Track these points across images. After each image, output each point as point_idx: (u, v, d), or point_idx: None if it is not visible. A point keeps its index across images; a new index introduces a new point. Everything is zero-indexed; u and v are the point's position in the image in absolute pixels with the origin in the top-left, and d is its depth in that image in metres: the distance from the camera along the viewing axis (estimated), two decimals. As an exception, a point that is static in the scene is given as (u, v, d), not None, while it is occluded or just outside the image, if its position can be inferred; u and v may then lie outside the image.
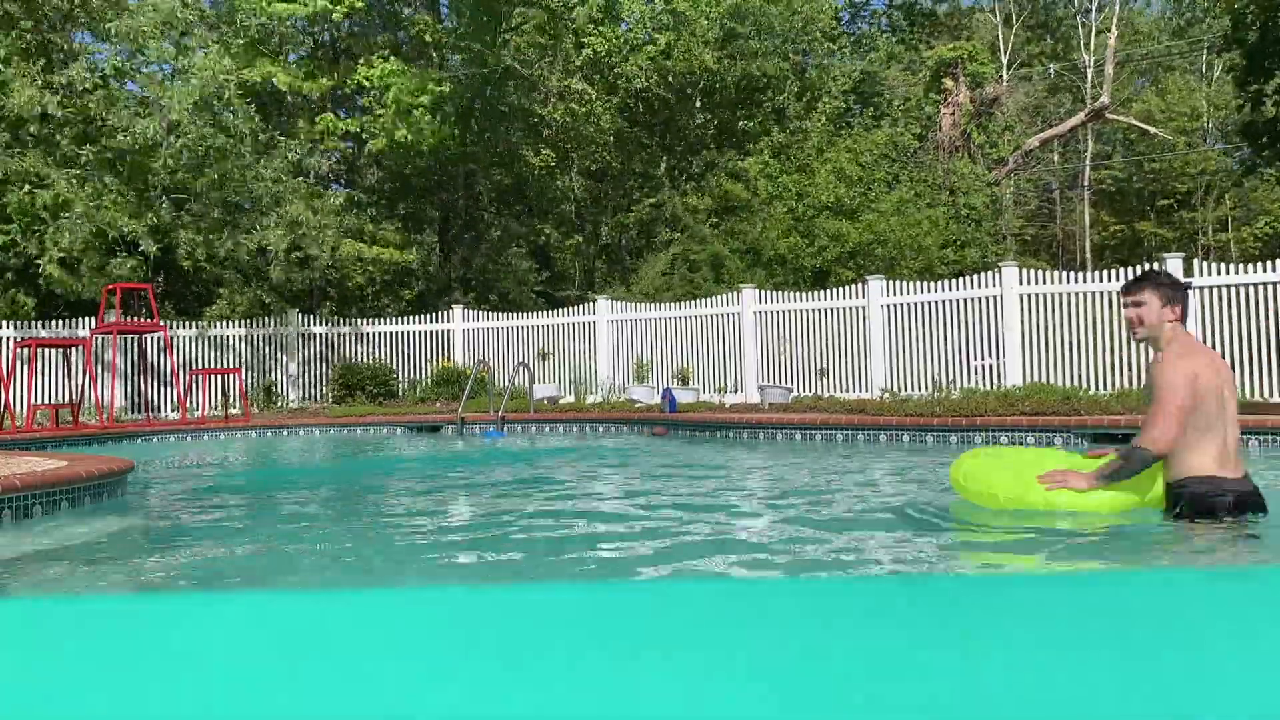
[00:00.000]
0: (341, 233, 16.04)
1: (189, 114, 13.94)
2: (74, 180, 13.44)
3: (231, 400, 14.53)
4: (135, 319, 14.51)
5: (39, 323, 14.46)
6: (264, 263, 16.12)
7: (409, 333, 15.92)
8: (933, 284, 12.67)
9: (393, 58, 18.75)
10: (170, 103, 13.89)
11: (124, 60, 14.76)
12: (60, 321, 14.51)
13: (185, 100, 13.88)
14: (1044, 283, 11.88)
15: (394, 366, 15.56)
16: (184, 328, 15.38)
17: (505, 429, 11.92)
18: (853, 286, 13.37)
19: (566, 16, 20.69)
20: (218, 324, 15.60)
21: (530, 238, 23.41)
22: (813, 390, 12.99)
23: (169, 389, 14.88)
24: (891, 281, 12.97)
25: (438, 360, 15.62)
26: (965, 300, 12.14)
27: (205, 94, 14.13)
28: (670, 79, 20.99)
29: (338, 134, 18.43)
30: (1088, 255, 29.39)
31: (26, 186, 13.53)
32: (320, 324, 16.06)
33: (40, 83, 13.43)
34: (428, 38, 20.76)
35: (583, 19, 20.63)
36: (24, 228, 13.87)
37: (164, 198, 14.97)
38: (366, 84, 17.93)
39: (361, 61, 18.82)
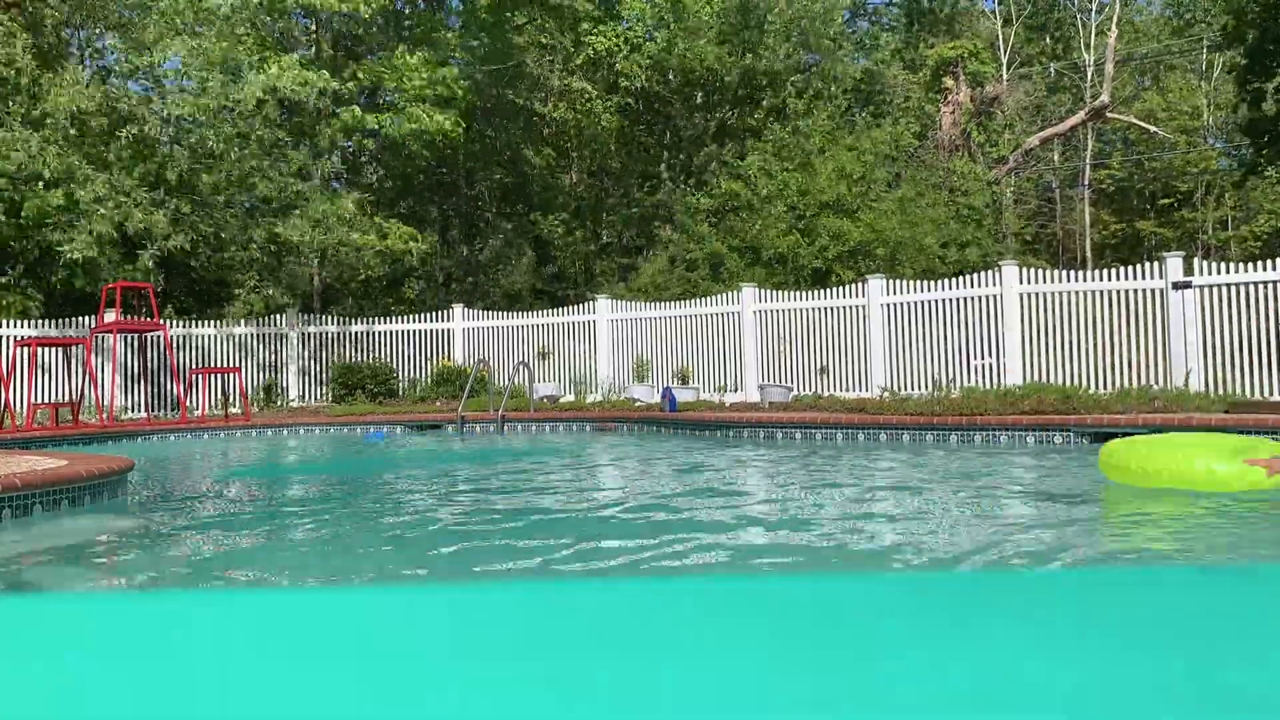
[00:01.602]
0: (353, 227, 16.06)
1: (222, 107, 13.98)
2: (101, 175, 13.46)
3: (231, 399, 14.54)
4: (135, 318, 14.51)
5: (40, 322, 14.45)
6: (274, 260, 16.14)
7: (409, 331, 15.92)
8: (933, 283, 12.66)
9: (415, 50, 18.77)
10: (217, 94, 13.91)
11: (146, 55, 14.73)
12: (61, 321, 14.50)
13: (255, 91, 13.94)
14: (1044, 282, 11.88)
15: (394, 365, 15.56)
16: (185, 326, 15.38)
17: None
18: (853, 285, 13.37)
19: (568, 16, 20.67)
20: (217, 323, 15.59)
21: (530, 236, 23.41)
22: (813, 389, 13.00)
23: (169, 388, 14.88)
24: (891, 280, 12.97)
25: (438, 359, 15.62)
26: (965, 299, 12.14)
27: (255, 97, 14.18)
28: (671, 77, 20.99)
29: (362, 129, 18.41)
30: (1088, 254, 29.39)
31: (40, 184, 13.54)
32: (320, 322, 16.06)
33: (77, 82, 13.48)
34: (434, 35, 20.76)
35: (583, 14, 20.62)
36: (38, 223, 13.85)
37: (175, 197, 14.97)
38: (390, 80, 17.94)
39: (380, 56, 18.84)
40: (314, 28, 19.80)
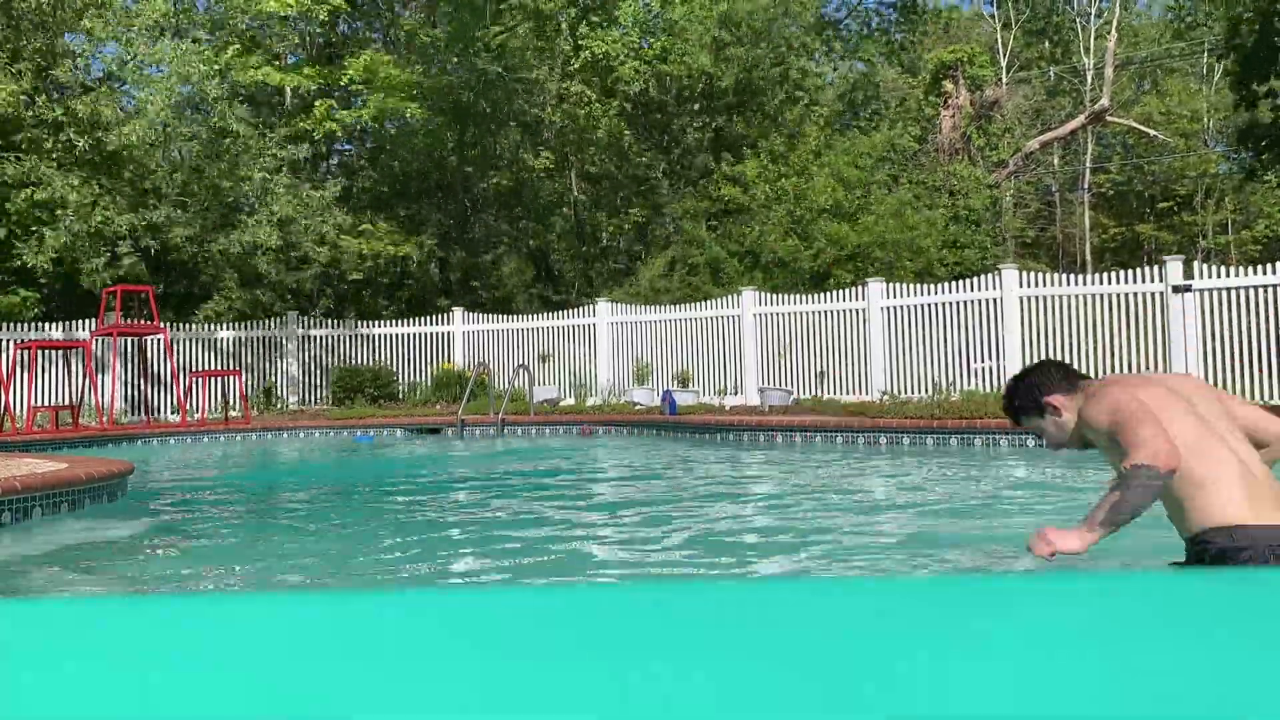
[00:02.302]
0: (339, 228, 16.02)
1: (171, 112, 13.98)
2: (71, 182, 13.50)
3: (231, 402, 14.53)
4: (135, 321, 14.50)
5: (39, 325, 14.45)
6: (254, 260, 16.12)
7: (409, 335, 15.92)
8: (933, 286, 12.66)
9: (376, 51, 18.81)
10: (150, 97, 13.93)
11: (112, 60, 14.76)
12: (60, 324, 14.50)
13: (165, 97, 13.91)
14: (1044, 285, 11.87)
15: (394, 368, 15.55)
16: (184, 329, 15.38)
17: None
18: (852, 289, 13.36)
19: (562, 18, 20.69)
20: (217, 326, 15.58)
21: (529, 240, 23.42)
22: (813, 392, 12.98)
23: (169, 391, 14.86)
24: (891, 284, 12.96)
25: (438, 362, 15.61)
26: (965, 303, 12.13)
27: (191, 88, 14.16)
28: (667, 83, 21.00)
29: (332, 118, 18.38)
30: (1088, 258, 29.41)
31: (25, 191, 13.59)
32: (320, 326, 16.06)
33: (25, 82, 13.49)
34: (423, 36, 20.79)
35: (574, 18, 20.65)
36: (21, 228, 13.91)
37: (156, 198, 14.98)
38: (355, 77, 17.98)
39: (348, 59, 18.89)
40: (290, 27, 19.81)
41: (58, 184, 13.30)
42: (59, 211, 13.35)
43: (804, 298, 13.54)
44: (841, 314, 13.01)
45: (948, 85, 19.83)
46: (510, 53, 20.57)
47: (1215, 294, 10.81)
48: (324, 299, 19.08)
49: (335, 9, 18.01)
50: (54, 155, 14.00)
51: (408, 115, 17.84)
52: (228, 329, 15.55)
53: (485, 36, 19.73)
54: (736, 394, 13.50)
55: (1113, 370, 11.25)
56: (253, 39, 18.12)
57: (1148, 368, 11.03)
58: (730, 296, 14.02)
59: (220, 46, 16.50)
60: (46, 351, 13.82)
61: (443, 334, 15.76)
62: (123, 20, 14.25)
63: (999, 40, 28.18)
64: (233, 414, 13.91)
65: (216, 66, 14.84)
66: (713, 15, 19.49)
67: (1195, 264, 11.37)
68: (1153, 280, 11.20)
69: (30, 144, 13.86)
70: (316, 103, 18.27)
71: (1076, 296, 11.61)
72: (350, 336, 15.98)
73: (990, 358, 11.86)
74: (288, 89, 18.31)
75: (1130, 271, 11.60)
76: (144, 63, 14.73)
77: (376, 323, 16.46)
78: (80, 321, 14.47)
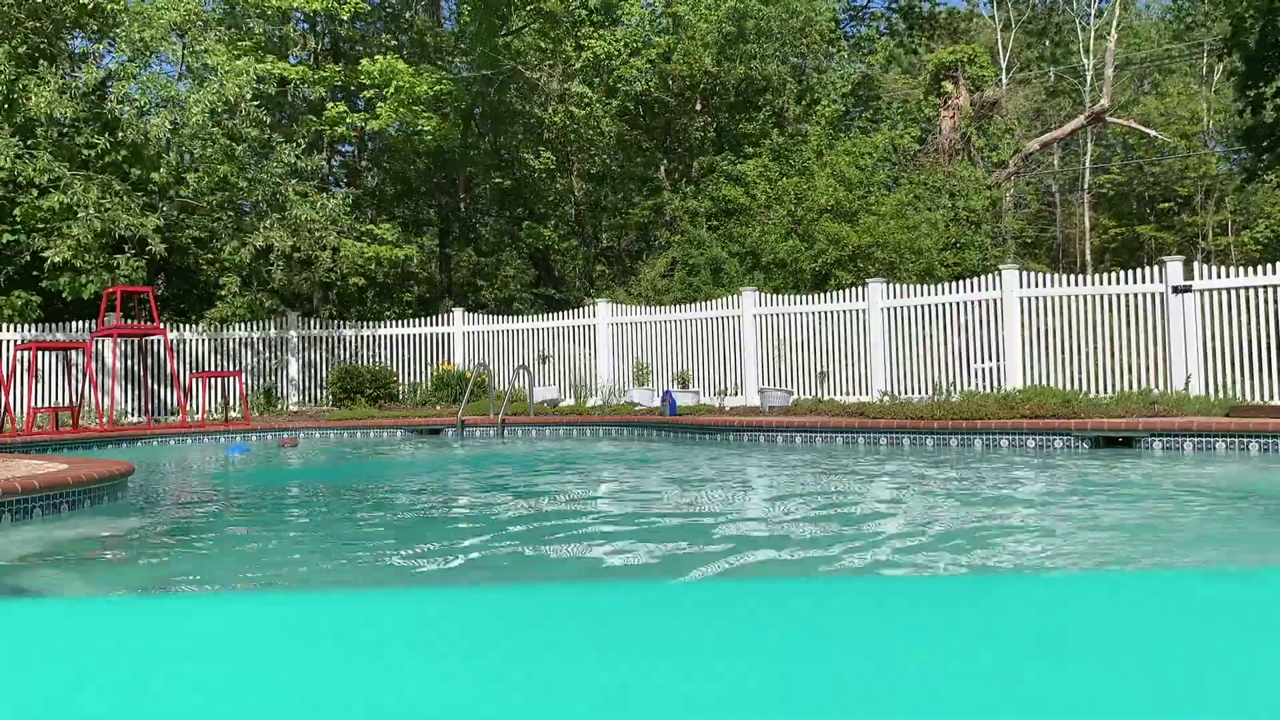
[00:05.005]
0: (341, 234, 16.01)
1: (206, 116, 13.96)
2: (83, 180, 13.52)
3: (232, 403, 14.53)
4: (135, 322, 14.50)
5: (40, 326, 14.45)
6: (265, 265, 16.09)
7: (409, 335, 15.91)
8: (933, 287, 12.65)
9: (392, 56, 18.79)
10: (196, 101, 13.90)
11: (129, 62, 14.75)
12: (61, 325, 14.50)
13: (207, 102, 13.90)
14: (1044, 286, 11.87)
15: (394, 369, 15.55)
16: (184, 330, 15.38)
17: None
18: (853, 289, 13.35)
19: (566, 20, 20.71)
20: (218, 327, 15.59)
21: (529, 240, 23.44)
22: (813, 393, 12.98)
23: (169, 392, 14.87)
24: (891, 284, 12.95)
25: (438, 363, 15.61)
26: (965, 303, 12.13)
27: (231, 95, 14.13)
28: (670, 82, 21.01)
29: (345, 123, 18.34)
30: (1088, 258, 29.41)
31: (35, 191, 13.62)
32: (320, 326, 16.05)
33: (56, 85, 13.53)
34: (428, 39, 20.78)
35: (581, 19, 20.67)
36: (29, 229, 13.92)
37: (166, 199, 14.98)
38: (368, 80, 17.96)
39: (364, 60, 18.88)
40: (296, 29, 19.79)
41: (77, 186, 13.33)
42: (80, 214, 13.36)
43: (804, 298, 13.54)
44: (842, 314, 13.00)
45: (948, 86, 19.83)
46: (517, 52, 20.58)
47: (1215, 294, 10.80)
48: (326, 305, 19.08)
49: (356, 12, 17.96)
50: (83, 156, 14.02)
51: (423, 130, 17.78)
52: (228, 330, 15.56)
53: (501, 35, 19.76)
54: (736, 394, 13.50)
55: (1112, 370, 11.25)
56: (265, 37, 18.12)
57: (1148, 368, 11.03)
58: (730, 297, 14.01)
59: (230, 43, 16.47)
60: (46, 352, 13.82)
61: (442, 334, 15.76)
62: (145, 21, 14.21)
63: (999, 40, 28.19)
64: (233, 415, 13.91)
65: (254, 69, 14.82)
66: (719, 12, 19.45)
67: (1195, 264, 11.35)
68: (1153, 281, 11.20)
69: (52, 145, 13.87)
70: (329, 105, 18.25)
71: (1077, 297, 11.61)
72: (350, 337, 15.98)
73: (991, 358, 11.86)
74: (291, 86, 18.28)
75: (1130, 272, 11.59)
76: (176, 64, 14.72)
77: (377, 323, 16.45)
78: (81, 322, 14.47)
